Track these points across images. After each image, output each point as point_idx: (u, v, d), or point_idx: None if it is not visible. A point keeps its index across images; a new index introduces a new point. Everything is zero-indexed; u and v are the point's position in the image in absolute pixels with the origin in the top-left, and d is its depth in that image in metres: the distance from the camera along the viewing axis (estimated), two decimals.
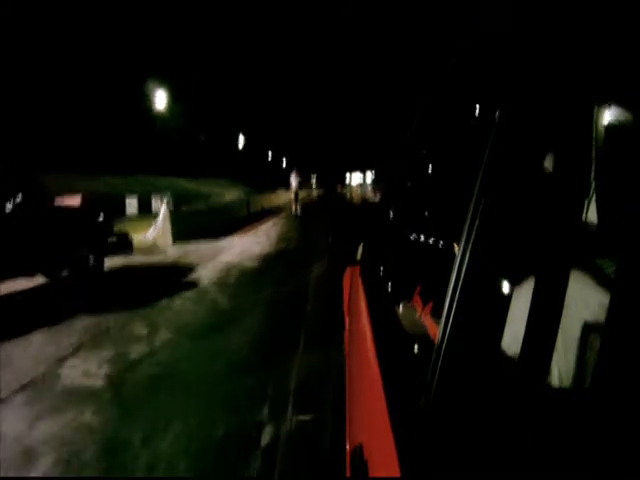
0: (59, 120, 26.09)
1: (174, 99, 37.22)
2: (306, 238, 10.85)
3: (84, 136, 28.06)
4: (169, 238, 9.65)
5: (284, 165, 69.38)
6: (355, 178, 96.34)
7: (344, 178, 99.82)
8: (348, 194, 56.20)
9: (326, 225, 13.20)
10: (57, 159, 24.26)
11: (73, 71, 26.90)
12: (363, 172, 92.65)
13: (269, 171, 60.67)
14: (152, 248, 9.30)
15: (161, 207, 10.23)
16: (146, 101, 34.17)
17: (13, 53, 22.59)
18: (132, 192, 23.37)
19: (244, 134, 53.39)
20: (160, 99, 34.79)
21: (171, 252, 8.74)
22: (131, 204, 21.86)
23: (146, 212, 21.08)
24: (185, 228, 10.26)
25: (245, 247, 9.31)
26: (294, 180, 19.81)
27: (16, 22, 22.95)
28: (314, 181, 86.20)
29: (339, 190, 73.33)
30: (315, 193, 55.45)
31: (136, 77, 33.09)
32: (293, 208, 19.88)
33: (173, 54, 37.34)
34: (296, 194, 19.98)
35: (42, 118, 24.68)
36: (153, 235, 9.90)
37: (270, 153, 65.20)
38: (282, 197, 27.65)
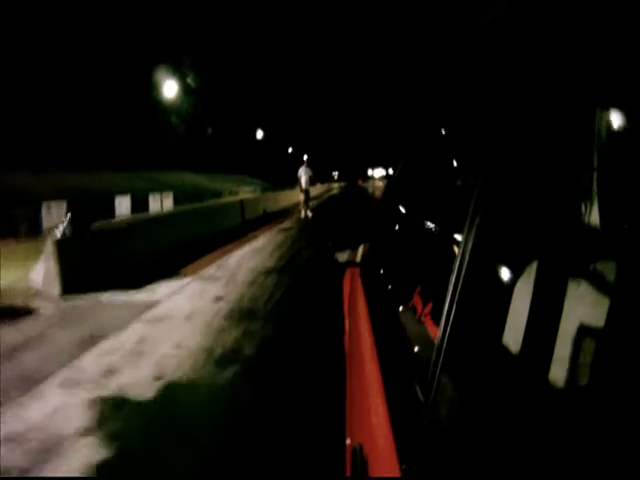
0: (55, 111, 22.06)
1: (187, 89, 32.85)
2: (304, 296, 5.00)
3: (84, 129, 23.96)
4: (55, 286, 5.15)
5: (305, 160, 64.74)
6: (377, 173, 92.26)
7: (366, 173, 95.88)
8: (370, 188, 51.78)
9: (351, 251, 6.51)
10: (47, 154, 20.31)
11: (71, 58, 22.78)
12: (385, 168, 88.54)
13: (289, 167, 56.27)
14: (28, 300, 4.87)
15: (60, 224, 5.62)
16: (156, 91, 29.84)
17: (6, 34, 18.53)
18: (132, 189, 19.26)
19: (263, 128, 48.91)
20: (170, 89, 30.17)
21: (30, 323, 4.25)
22: (122, 204, 17.45)
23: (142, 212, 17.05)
24: (103, 259, 5.73)
25: (159, 330, 3.98)
26: (303, 175, 14.79)
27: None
28: (336, 176, 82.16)
29: (360, 184, 70.12)
30: (336, 189, 50.64)
31: (144, 65, 28.77)
32: (302, 212, 14.96)
33: (186, 41, 32.93)
34: (306, 193, 14.95)
35: (36, 110, 20.69)
36: (39, 278, 5.41)
37: (291, 149, 60.56)
38: (297, 195, 23.32)
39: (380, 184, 66.27)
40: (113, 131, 26.55)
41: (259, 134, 48.85)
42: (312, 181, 15.41)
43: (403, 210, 1.97)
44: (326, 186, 57.52)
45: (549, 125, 0.65)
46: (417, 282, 1.32)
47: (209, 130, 33.99)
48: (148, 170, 27.61)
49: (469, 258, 0.67)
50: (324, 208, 19.65)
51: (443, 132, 1.52)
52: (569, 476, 0.47)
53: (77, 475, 2.03)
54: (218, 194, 27.53)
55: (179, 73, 31.16)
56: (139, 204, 17.91)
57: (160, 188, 21.49)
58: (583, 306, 0.53)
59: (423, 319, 1.10)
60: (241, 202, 13.41)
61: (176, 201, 21.14)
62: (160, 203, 19.58)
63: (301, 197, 15.14)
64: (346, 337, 1.95)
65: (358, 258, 2.29)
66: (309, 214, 14.97)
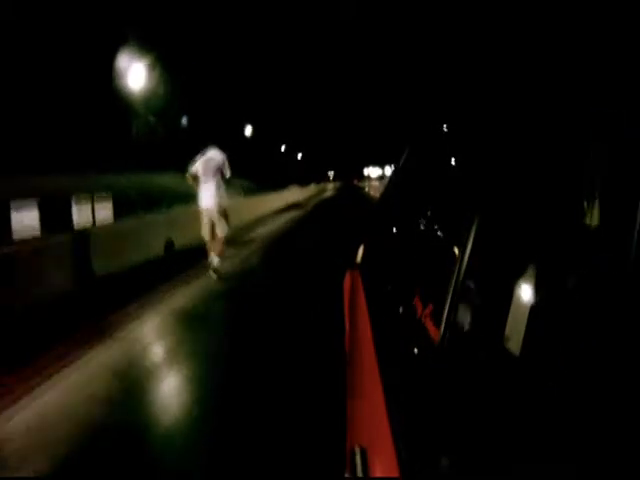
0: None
1: (159, 76, 26.80)
2: None
3: (31, 125, 17.99)
4: None
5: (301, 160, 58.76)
6: (373, 172, 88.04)
7: (362, 173, 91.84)
8: (366, 187, 47.02)
9: None
10: None
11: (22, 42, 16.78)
12: (382, 167, 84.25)
13: (281, 166, 50.64)
14: None
15: None
16: (119, 78, 23.64)
17: None
18: (68, 194, 13.11)
19: (253, 124, 42.90)
20: (138, 76, 23.73)
21: None
22: (24, 217, 11.15)
23: (59, 228, 10.74)
24: None
25: None
26: (202, 176, 6.22)
27: None
28: (331, 176, 77.37)
29: (355, 183, 67.49)
30: (330, 191, 44.68)
31: (107, 47, 22.68)
32: (212, 263, 6.18)
33: (161, 19, 26.89)
34: (221, 217, 6.23)
35: None
36: None
37: (284, 147, 54.57)
38: (270, 203, 17.45)
39: (376, 184, 62.88)
40: (65, 126, 20.43)
41: (248, 130, 42.76)
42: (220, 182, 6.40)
43: (402, 210, 1.84)
44: (321, 186, 51.80)
45: (549, 126, 0.62)
46: (417, 282, 1.24)
47: (184, 121, 27.86)
48: (107, 171, 21.59)
49: (469, 258, 0.65)
50: (292, 232, 12.89)
51: (442, 132, 1.41)
52: (569, 475, 0.45)
53: None
54: (188, 197, 21.74)
55: (150, 57, 24.84)
56: (53, 216, 11.75)
57: (112, 192, 15.45)
58: (583, 305, 0.50)
59: (423, 319, 1.05)
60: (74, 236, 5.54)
61: (128, 209, 14.98)
62: (91, 214, 12.92)
63: (205, 230, 6.29)
64: (346, 337, 1.88)
65: (358, 259, 2.13)
66: (224, 255, 6.44)
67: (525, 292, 0.57)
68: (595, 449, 0.43)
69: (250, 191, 25.81)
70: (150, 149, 27.65)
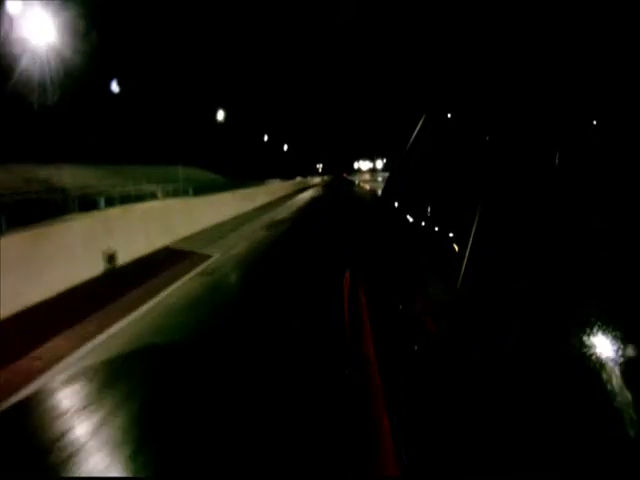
0: None
1: (76, 28, 18.36)
2: None
3: None
4: None
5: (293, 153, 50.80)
6: (364, 165, 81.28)
7: (352, 166, 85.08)
8: (357, 180, 42.56)
9: None
10: None
11: None
12: (372, 161, 77.38)
13: (263, 157, 42.87)
14: None
15: None
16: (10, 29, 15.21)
17: None
18: None
19: (227, 108, 34.57)
20: (40, 26, 15.08)
21: None
22: None
23: None
24: None
25: None
26: None
27: None
28: (320, 169, 70.00)
29: (345, 176, 62.53)
30: (312, 189, 36.43)
31: None
32: None
33: None
34: None
35: None
36: None
37: (267, 136, 46.38)
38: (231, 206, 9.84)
39: (367, 176, 56.69)
40: None
41: (220, 115, 34.17)
42: None
43: (402, 206, 1.81)
44: (305, 181, 43.86)
45: (549, 123, 0.61)
46: (417, 281, 1.21)
47: (114, 85, 19.32)
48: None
49: (470, 255, 0.63)
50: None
51: (444, 126, 1.43)
52: (571, 475, 0.43)
53: None
54: (91, 202, 13.71)
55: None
56: None
57: None
58: (584, 304, 0.50)
59: (423, 317, 1.02)
60: None
61: None
62: None
63: None
64: (347, 337, 1.85)
65: (357, 256, 2.09)
66: None
67: (526, 289, 0.56)
68: (600, 448, 0.41)
69: (212, 189, 17.55)
70: (68, 130, 19.59)
